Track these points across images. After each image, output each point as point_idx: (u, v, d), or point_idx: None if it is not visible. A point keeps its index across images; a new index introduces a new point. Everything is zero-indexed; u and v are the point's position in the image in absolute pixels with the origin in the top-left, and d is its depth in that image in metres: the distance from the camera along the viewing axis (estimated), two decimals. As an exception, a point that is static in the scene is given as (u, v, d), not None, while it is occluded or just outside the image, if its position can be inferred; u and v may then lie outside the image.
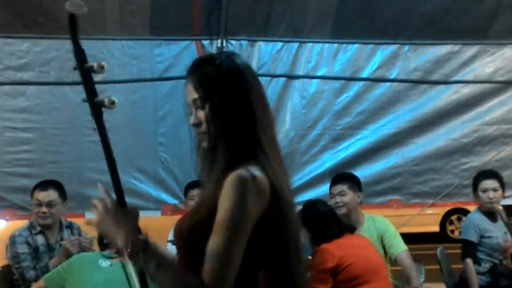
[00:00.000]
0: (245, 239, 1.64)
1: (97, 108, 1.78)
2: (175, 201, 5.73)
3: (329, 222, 3.87)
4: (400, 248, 4.38)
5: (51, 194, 4.44)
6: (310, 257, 3.81)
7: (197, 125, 1.82)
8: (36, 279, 4.11)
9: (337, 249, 3.71)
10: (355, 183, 4.58)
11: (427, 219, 10.47)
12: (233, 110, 1.76)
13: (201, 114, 1.80)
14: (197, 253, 1.65)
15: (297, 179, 5.92)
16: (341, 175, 4.80)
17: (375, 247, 4.23)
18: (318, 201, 4.21)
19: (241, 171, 1.67)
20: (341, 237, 3.81)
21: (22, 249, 4.27)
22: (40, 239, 4.39)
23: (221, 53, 1.98)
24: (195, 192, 4.80)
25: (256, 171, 1.69)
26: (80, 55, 1.75)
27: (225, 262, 1.60)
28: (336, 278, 3.67)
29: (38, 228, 4.40)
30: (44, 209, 4.38)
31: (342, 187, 4.51)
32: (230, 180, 1.66)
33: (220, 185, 1.69)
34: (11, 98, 5.52)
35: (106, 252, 3.68)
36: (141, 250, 1.65)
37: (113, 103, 1.75)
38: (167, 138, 5.75)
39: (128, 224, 1.73)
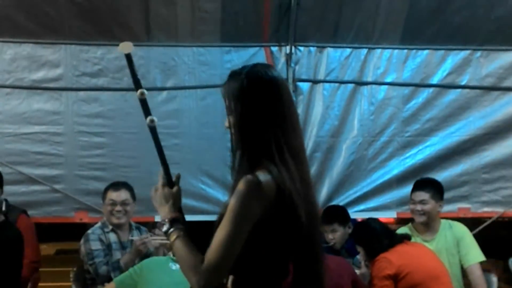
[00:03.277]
0: (244, 235, 1.90)
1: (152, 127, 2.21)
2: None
3: (381, 237, 3.88)
4: (474, 259, 4.30)
5: (124, 194, 4.59)
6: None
7: (228, 128, 2.10)
8: (108, 274, 4.24)
9: (395, 258, 3.70)
10: (438, 192, 4.51)
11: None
12: (250, 121, 2.01)
13: (229, 120, 2.08)
14: None
15: (364, 186, 5.89)
16: (425, 182, 4.72)
17: (451, 253, 4.19)
18: (369, 219, 4.29)
19: (248, 177, 1.92)
20: (397, 246, 3.79)
21: (96, 245, 4.41)
22: (112, 237, 4.53)
23: (252, 66, 2.12)
24: None
25: (263, 176, 1.93)
26: (137, 85, 2.18)
27: (222, 252, 1.87)
28: (397, 286, 3.65)
29: (110, 227, 4.55)
30: (119, 207, 4.53)
31: (425, 196, 4.46)
32: (239, 184, 1.92)
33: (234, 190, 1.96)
34: (85, 104, 5.69)
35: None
36: (171, 222, 2.05)
37: (152, 121, 2.21)
38: (236, 144, 5.79)
39: (171, 204, 2.11)
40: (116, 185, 4.69)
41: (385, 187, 5.89)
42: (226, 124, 2.10)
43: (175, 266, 3.62)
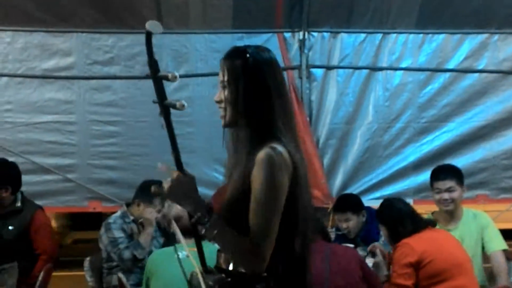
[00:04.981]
0: (281, 210, 1.92)
1: (166, 109, 2.05)
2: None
3: (405, 220, 3.80)
4: (498, 246, 4.23)
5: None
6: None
7: (219, 102, 2.09)
8: (132, 256, 4.25)
9: (418, 244, 3.63)
10: (461, 177, 4.42)
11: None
12: (253, 96, 2.02)
13: (223, 94, 2.08)
14: (233, 224, 1.95)
15: (380, 173, 5.83)
16: (447, 169, 4.54)
17: (476, 241, 4.12)
18: (395, 199, 4.18)
19: (268, 150, 1.93)
20: (421, 232, 3.72)
21: (119, 233, 4.38)
22: (134, 228, 4.49)
23: (255, 47, 2.13)
24: None
25: (280, 147, 1.95)
26: (154, 65, 2.03)
27: (267, 231, 1.90)
28: (419, 274, 3.60)
29: (131, 218, 4.50)
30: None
31: (451, 183, 4.32)
32: (259, 160, 1.92)
33: (248, 164, 1.96)
34: (97, 92, 5.67)
35: (180, 244, 3.71)
36: (206, 216, 1.95)
37: (183, 106, 2.01)
38: (248, 131, 5.75)
39: (195, 193, 2.02)
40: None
41: (401, 174, 5.82)
42: (217, 97, 2.10)
43: (181, 254, 3.59)
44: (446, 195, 4.29)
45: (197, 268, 2.10)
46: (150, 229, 4.37)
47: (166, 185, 2.04)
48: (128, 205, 4.57)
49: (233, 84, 2.04)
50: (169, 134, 2.07)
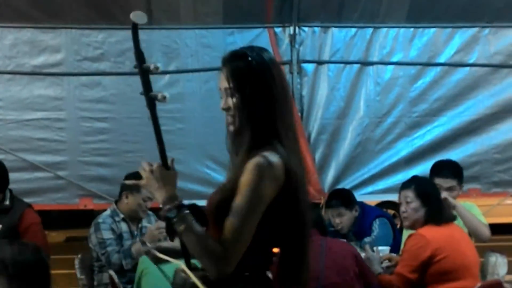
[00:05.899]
0: (258, 217, 1.91)
1: (151, 101, 2.09)
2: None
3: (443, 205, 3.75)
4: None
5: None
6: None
7: (227, 110, 2.08)
8: (120, 262, 4.20)
9: (433, 238, 3.53)
10: (462, 177, 4.35)
11: (508, 210, 10.07)
12: (258, 102, 2.01)
13: (230, 101, 2.05)
14: (221, 225, 1.93)
15: (372, 168, 5.82)
16: (450, 166, 4.43)
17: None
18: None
19: (259, 158, 1.93)
20: (441, 226, 3.65)
21: (107, 234, 4.35)
22: (124, 226, 4.46)
23: (252, 49, 2.10)
24: None
25: (272, 157, 1.94)
26: (140, 57, 2.06)
27: (239, 237, 1.88)
28: (428, 270, 3.53)
29: (121, 216, 4.46)
30: (149, 203, 4.42)
31: (453, 182, 4.22)
32: (249, 166, 1.92)
33: (242, 168, 1.95)
34: (87, 89, 5.64)
35: None
36: (175, 210, 1.94)
37: (164, 97, 2.06)
38: (240, 127, 5.72)
39: (169, 187, 2.01)
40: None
41: (393, 169, 5.82)
42: (224, 105, 2.09)
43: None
44: (445, 193, 4.06)
45: (181, 265, 2.08)
46: (148, 246, 4.25)
47: (143, 174, 2.07)
48: (117, 202, 4.53)
49: (240, 90, 2.02)
50: (154, 126, 2.10)
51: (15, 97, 5.55)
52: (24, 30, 5.54)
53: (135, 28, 2.03)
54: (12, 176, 4.74)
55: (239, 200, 1.90)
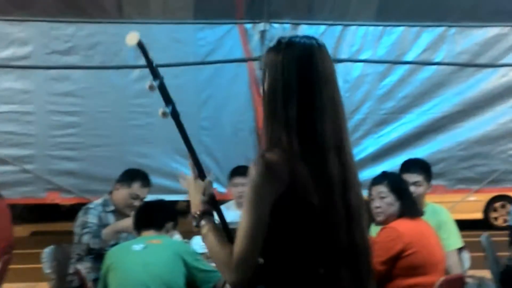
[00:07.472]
0: (263, 220, 1.79)
1: (175, 112, 2.14)
2: (215, 185, 5.73)
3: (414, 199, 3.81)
4: (453, 245, 4.25)
5: (147, 191, 4.45)
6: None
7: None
8: (90, 244, 4.16)
9: (406, 232, 3.56)
10: (429, 173, 4.42)
11: (471, 206, 10.26)
12: (274, 94, 1.90)
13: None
14: None
15: (339, 164, 5.86)
16: (416, 163, 4.49)
17: None
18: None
19: (258, 159, 1.82)
20: (413, 220, 3.68)
21: (92, 219, 4.30)
22: (111, 219, 4.42)
23: (284, 40, 1.98)
24: (240, 180, 4.70)
25: (275, 157, 1.81)
26: (155, 73, 2.08)
27: (246, 243, 1.78)
28: (397, 264, 3.56)
29: (112, 207, 4.43)
30: (138, 202, 4.39)
31: (419, 178, 4.27)
32: (252, 167, 1.82)
33: None
34: (56, 82, 5.59)
35: (142, 237, 3.71)
36: (201, 215, 2.00)
37: (164, 114, 2.10)
38: (209, 122, 5.74)
39: (199, 194, 2.07)
40: (146, 180, 4.50)
41: (360, 165, 5.74)
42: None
43: (138, 246, 3.59)
44: (412, 188, 4.11)
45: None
46: (119, 226, 4.25)
47: (182, 182, 2.21)
48: (111, 193, 4.51)
49: (265, 80, 1.95)
50: (183, 139, 2.22)
51: (-17, 90, 5.48)
52: (-8, 22, 5.48)
53: (142, 48, 2.03)
54: (-22, 169, 4.72)
55: (244, 203, 1.84)
